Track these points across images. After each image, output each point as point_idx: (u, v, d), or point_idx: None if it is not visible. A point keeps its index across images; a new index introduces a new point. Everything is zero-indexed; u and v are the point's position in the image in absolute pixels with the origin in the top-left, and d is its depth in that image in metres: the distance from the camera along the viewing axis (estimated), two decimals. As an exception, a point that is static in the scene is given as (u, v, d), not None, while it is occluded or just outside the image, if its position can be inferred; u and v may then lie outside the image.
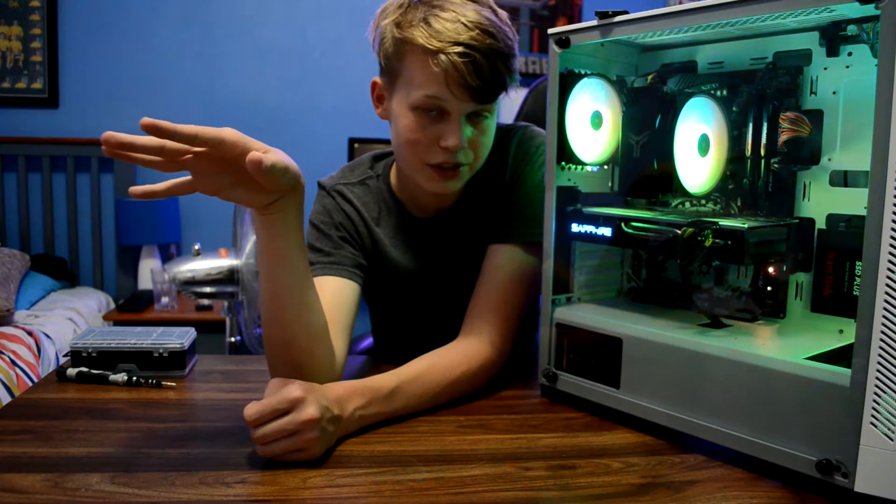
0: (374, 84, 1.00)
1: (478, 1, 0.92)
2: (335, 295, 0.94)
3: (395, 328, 1.22)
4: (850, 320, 0.75)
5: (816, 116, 0.78)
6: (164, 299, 2.80)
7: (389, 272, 1.08)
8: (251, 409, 0.70)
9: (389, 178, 1.08)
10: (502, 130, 1.03)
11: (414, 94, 0.90)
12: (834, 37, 0.77)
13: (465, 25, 0.87)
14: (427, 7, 0.89)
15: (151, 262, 3.02)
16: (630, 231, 0.83)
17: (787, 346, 0.74)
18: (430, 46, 0.87)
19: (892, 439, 0.59)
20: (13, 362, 1.98)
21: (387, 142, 1.16)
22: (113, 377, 0.95)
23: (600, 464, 0.73)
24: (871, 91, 0.59)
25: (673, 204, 0.95)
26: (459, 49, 0.86)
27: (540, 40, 3.40)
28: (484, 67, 0.87)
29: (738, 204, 0.88)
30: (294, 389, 0.71)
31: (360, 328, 1.16)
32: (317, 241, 1.03)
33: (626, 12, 0.81)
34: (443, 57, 0.86)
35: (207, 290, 1.98)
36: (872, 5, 0.60)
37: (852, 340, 0.61)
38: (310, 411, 0.71)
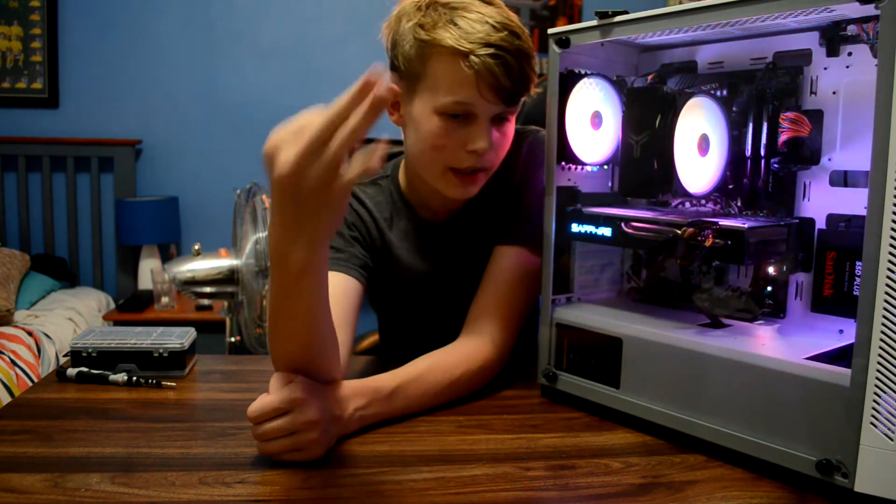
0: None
1: (491, 2, 0.90)
2: (342, 291, 0.94)
3: (402, 329, 1.21)
4: (850, 320, 0.75)
5: (816, 116, 0.78)
6: (164, 299, 2.80)
7: (398, 273, 1.08)
8: (253, 406, 0.70)
9: (398, 180, 1.08)
10: (514, 133, 1.03)
11: (442, 98, 0.88)
12: (834, 37, 0.77)
13: (494, 27, 0.86)
14: (448, 9, 0.88)
15: (151, 262, 3.02)
16: (630, 231, 0.83)
17: (787, 346, 0.74)
18: (461, 48, 0.85)
19: (892, 439, 0.59)
20: (13, 362, 1.98)
21: (388, 142, 1.15)
22: (113, 377, 0.95)
23: (600, 464, 0.73)
24: (871, 91, 0.59)
25: (673, 204, 0.95)
26: (491, 51, 0.85)
27: (540, 40, 3.39)
28: (514, 68, 0.86)
29: (738, 204, 0.88)
30: (296, 390, 0.71)
31: (362, 328, 1.16)
32: None
33: (626, 12, 0.81)
34: (474, 58, 0.84)
35: (207, 290, 1.97)
36: (872, 5, 0.60)
37: (852, 340, 0.62)
38: (311, 413, 0.71)
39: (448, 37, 0.85)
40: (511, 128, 0.95)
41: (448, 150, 0.91)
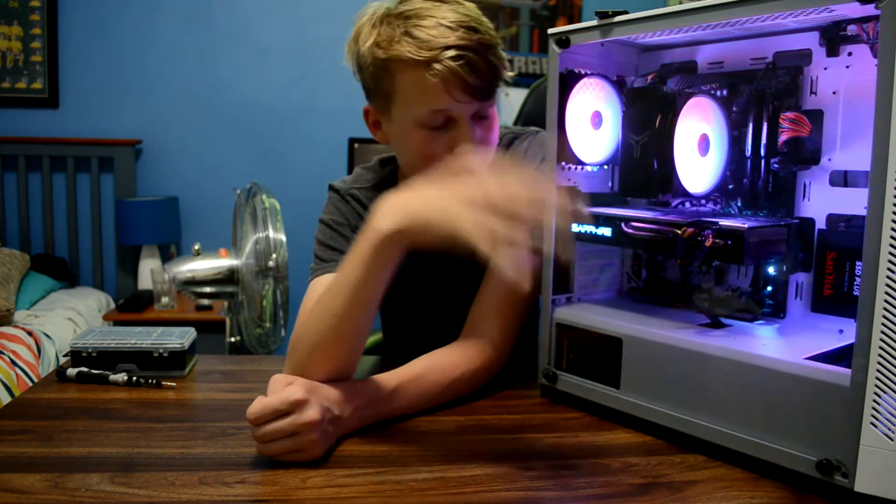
0: (367, 112, 0.98)
1: (445, 0, 0.90)
2: None
3: (403, 329, 1.22)
4: (850, 320, 0.75)
5: (816, 116, 0.78)
6: (164, 299, 2.80)
7: (400, 275, 1.08)
8: (252, 408, 0.70)
9: (397, 182, 1.08)
10: (513, 134, 1.02)
11: (417, 111, 0.89)
12: (834, 37, 0.77)
13: (449, 27, 0.86)
14: (401, 20, 0.87)
15: (151, 262, 3.02)
16: (630, 231, 0.83)
17: (787, 346, 0.74)
18: (421, 58, 0.85)
19: (892, 439, 0.59)
20: (13, 362, 1.98)
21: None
22: (113, 377, 0.95)
23: (600, 464, 0.73)
24: (871, 91, 0.59)
25: (673, 204, 0.95)
26: (452, 53, 0.85)
27: (540, 40, 3.39)
28: (479, 64, 0.87)
29: (738, 204, 0.88)
30: (296, 391, 0.71)
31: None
32: (331, 241, 1.03)
33: (626, 12, 0.81)
34: (437, 65, 0.85)
35: (207, 290, 1.98)
36: (872, 5, 0.60)
37: (852, 340, 0.61)
38: (310, 414, 0.70)
39: (406, 50, 0.85)
40: (494, 120, 0.95)
41: (437, 157, 0.91)
